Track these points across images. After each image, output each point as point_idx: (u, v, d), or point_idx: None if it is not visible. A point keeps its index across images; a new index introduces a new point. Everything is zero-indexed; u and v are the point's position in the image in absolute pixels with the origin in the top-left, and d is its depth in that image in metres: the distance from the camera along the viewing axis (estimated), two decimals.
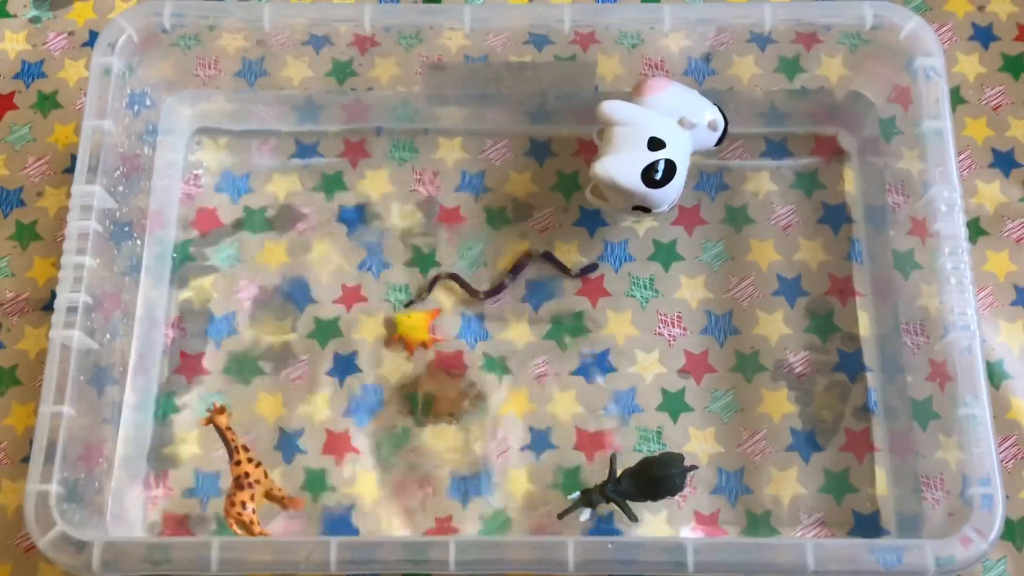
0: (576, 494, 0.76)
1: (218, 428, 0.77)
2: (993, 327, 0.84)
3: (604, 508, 0.77)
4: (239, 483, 0.76)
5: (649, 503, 0.77)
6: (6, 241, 0.88)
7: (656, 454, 0.77)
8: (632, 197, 0.79)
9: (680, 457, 0.76)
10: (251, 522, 0.76)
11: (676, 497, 0.77)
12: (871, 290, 0.85)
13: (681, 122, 0.80)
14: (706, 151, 0.83)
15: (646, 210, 0.81)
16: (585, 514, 0.76)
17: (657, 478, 0.75)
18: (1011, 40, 0.93)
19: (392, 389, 0.83)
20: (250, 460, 0.77)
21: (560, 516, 0.77)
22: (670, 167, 0.78)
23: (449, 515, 0.80)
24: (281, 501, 0.78)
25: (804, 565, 0.68)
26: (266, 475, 0.77)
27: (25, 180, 0.89)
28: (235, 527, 0.76)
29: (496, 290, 0.85)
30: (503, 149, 0.90)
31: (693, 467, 0.76)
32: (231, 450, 0.77)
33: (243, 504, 0.76)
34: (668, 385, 0.83)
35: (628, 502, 0.76)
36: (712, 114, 0.81)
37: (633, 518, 0.76)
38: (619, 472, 0.76)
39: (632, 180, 0.78)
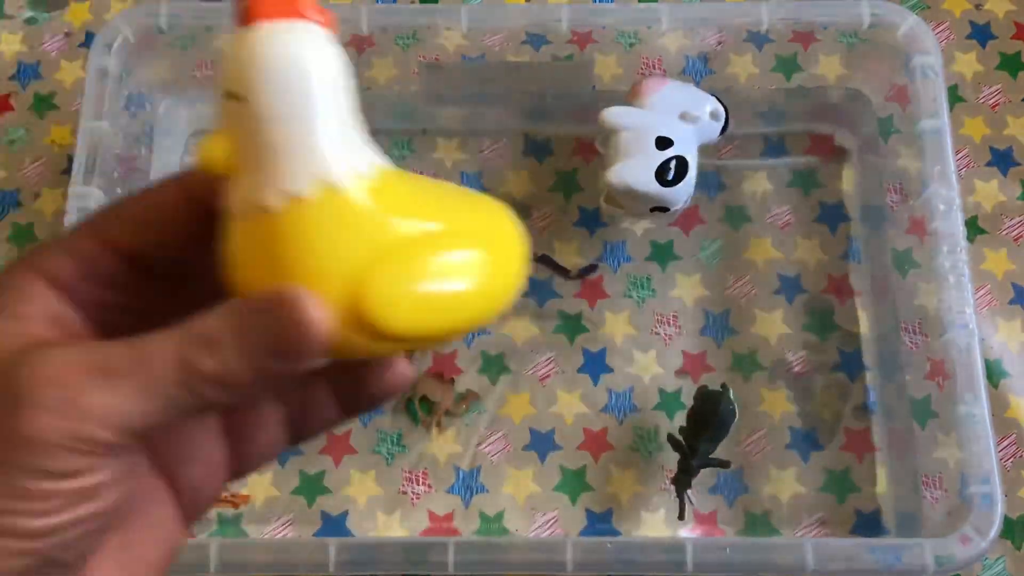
0: (674, 490, 0.77)
1: None
2: (991, 325, 0.84)
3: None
4: None
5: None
6: (3, 243, 0.87)
7: (693, 404, 0.77)
8: (649, 199, 0.79)
9: (705, 387, 0.78)
10: None
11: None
12: (869, 289, 0.85)
13: (683, 116, 0.79)
14: (711, 143, 0.82)
15: (664, 210, 0.81)
16: (693, 496, 0.76)
17: (718, 421, 0.76)
18: (1008, 38, 0.93)
19: None
20: None
21: (681, 516, 0.76)
22: (681, 163, 0.78)
23: (448, 516, 0.80)
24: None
25: (803, 565, 0.68)
26: None
27: (22, 182, 0.89)
28: None
29: (588, 269, 0.85)
30: (501, 149, 0.90)
31: (723, 385, 0.77)
32: None
33: None
34: (665, 385, 0.83)
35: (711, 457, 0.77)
36: (712, 105, 0.81)
37: (727, 464, 0.77)
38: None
39: (647, 183, 0.77)
